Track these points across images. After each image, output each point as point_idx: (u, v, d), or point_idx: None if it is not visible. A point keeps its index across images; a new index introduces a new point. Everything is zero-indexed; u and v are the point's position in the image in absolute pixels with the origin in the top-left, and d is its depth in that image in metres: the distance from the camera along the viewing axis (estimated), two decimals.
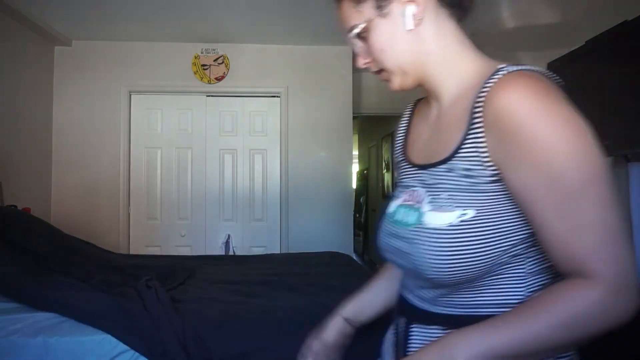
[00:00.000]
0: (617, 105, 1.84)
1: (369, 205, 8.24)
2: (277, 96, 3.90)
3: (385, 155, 6.58)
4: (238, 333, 1.52)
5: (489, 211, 0.63)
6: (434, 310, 0.73)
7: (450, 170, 0.67)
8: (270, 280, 2.24)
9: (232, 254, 3.65)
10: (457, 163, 0.66)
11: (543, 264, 0.66)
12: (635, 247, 1.84)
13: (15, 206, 2.74)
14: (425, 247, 0.66)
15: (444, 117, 0.73)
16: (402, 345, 0.78)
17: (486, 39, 3.40)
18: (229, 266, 2.70)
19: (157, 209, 3.80)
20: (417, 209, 0.70)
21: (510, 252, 0.65)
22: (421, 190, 0.72)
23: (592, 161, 0.57)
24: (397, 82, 0.73)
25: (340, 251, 3.50)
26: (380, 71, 0.75)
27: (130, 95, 3.78)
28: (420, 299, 0.76)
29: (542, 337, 0.58)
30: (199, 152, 3.84)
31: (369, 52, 0.72)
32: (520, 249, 0.65)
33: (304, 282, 2.18)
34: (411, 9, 0.67)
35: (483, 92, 0.64)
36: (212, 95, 3.87)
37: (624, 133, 1.78)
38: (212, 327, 1.54)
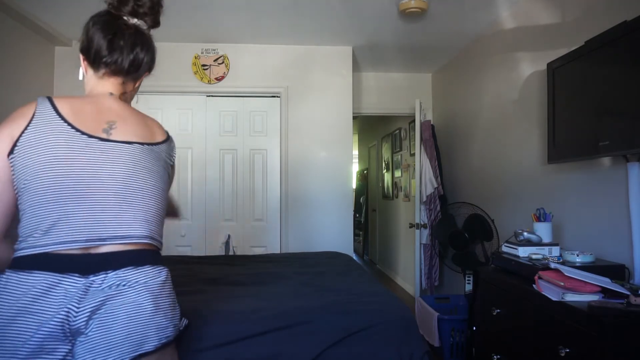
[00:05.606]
0: (616, 105, 1.84)
1: (369, 205, 8.25)
2: (277, 96, 3.90)
3: (385, 155, 6.58)
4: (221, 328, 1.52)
5: None
6: None
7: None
8: (268, 280, 2.24)
9: (232, 253, 3.66)
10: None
11: None
12: (634, 247, 1.84)
13: None
14: None
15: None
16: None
17: (486, 40, 3.41)
18: (228, 266, 2.70)
19: None
20: None
21: None
22: None
23: None
24: None
25: (340, 251, 3.51)
26: None
27: None
28: None
29: None
30: (199, 152, 3.84)
31: None
32: None
33: (302, 282, 2.18)
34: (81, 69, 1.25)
35: None
36: (212, 95, 3.88)
37: (622, 133, 1.78)
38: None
